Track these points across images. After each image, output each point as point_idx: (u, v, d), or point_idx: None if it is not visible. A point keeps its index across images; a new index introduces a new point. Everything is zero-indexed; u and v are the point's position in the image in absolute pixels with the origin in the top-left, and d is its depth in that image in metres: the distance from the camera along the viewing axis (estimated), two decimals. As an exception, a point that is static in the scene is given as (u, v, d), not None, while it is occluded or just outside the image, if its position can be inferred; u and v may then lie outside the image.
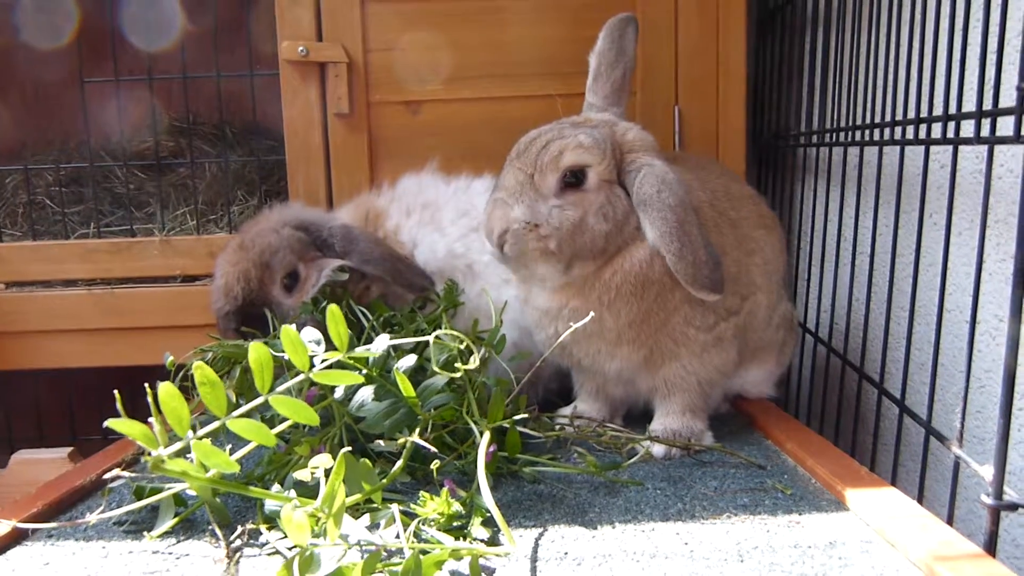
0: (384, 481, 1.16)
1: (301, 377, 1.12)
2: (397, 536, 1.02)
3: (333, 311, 1.15)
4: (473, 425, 1.30)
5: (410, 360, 1.30)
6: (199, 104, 2.79)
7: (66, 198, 2.56)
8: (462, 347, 1.32)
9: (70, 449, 2.14)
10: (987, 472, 1.22)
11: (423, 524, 1.10)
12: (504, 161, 1.53)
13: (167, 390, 0.98)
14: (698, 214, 1.46)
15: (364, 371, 1.27)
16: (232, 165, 2.60)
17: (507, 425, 1.32)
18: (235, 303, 1.71)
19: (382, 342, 1.25)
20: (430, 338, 1.32)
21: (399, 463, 1.19)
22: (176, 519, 1.18)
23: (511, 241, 1.41)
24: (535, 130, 1.49)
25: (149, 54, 2.46)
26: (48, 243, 2.32)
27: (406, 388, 1.23)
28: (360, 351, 1.19)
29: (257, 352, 1.03)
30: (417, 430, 1.24)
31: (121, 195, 2.62)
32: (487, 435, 1.22)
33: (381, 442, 1.28)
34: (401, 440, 1.23)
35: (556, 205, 1.40)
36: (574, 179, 1.41)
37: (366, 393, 1.29)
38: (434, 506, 1.11)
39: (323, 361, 1.15)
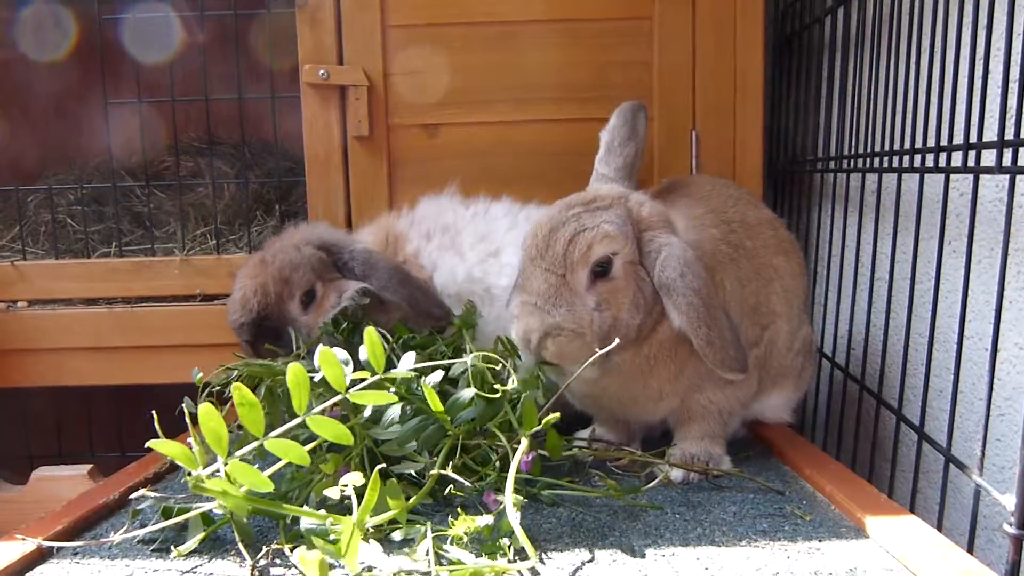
0: (412, 502, 1.17)
1: (338, 397, 1.14)
2: (427, 553, 1.03)
3: (370, 334, 1.17)
4: (503, 437, 1.31)
5: (437, 376, 1.31)
6: (218, 124, 2.82)
7: (87, 217, 2.58)
8: (497, 367, 1.33)
9: (90, 466, 2.15)
10: (1009, 501, 1.21)
11: (449, 543, 1.12)
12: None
13: (207, 411, 1.00)
14: (712, 257, 1.47)
15: (393, 390, 1.28)
16: (251, 185, 2.63)
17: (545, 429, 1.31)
18: (250, 315, 1.73)
19: (409, 360, 1.27)
20: (468, 359, 1.33)
21: (427, 484, 1.20)
22: (202, 535, 1.19)
23: (554, 350, 1.36)
24: (546, 219, 1.42)
25: (171, 74, 2.49)
26: (70, 262, 2.35)
27: (434, 403, 1.25)
28: (395, 372, 1.20)
29: (295, 373, 1.05)
30: (447, 446, 1.27)
31: (140, 214, 2.65)
32: (525, 441, 1.23)
33: (406, 461, 1.30)
34: (424, 462, 1.25)
35: (595, 308, 1.36)
36: (600, 269, 1.37)
37: (395, 412, 1.30)
38: (464, 528, 1.12)
39: (355, 382, 1.16)
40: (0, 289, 2.32)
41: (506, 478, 1.18)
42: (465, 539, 1.13)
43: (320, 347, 1.14)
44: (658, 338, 1.43)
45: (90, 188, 2.68)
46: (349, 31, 2.22)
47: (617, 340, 1.33)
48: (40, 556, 1.21)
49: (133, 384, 2.32)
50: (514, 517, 1.11)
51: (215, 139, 2.87)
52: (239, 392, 1.01)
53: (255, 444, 1.04)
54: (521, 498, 1.17)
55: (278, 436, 1.05)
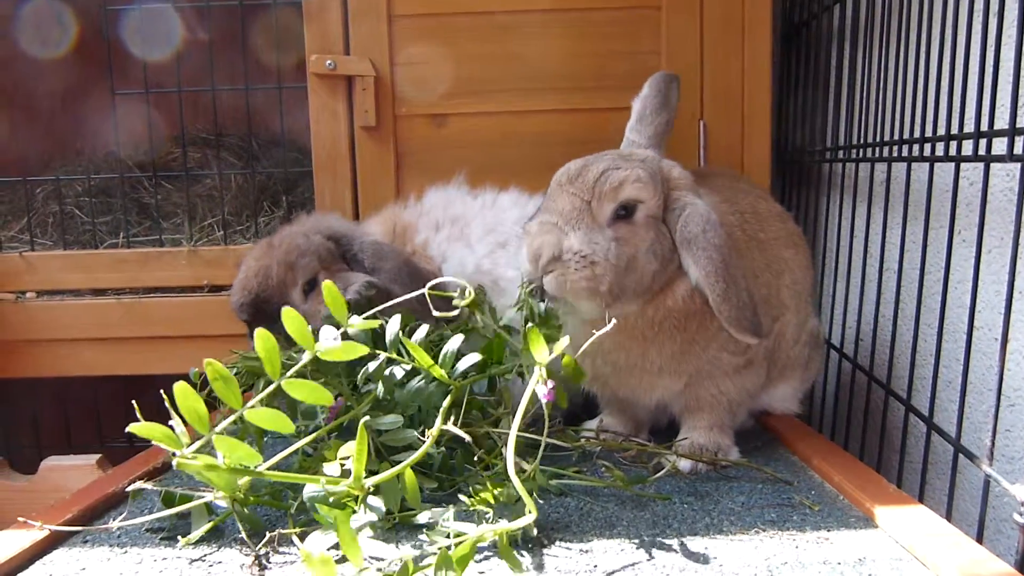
0: (414, 457, 1.16)
1: (308, 356, 1.13)
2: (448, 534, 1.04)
3: (328, 286, 1.16)
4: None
5: (422, 332, 1.32)
6: (224, 117, 2.82)
7: (94, 208, 2.59)
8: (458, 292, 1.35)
9: (98, 456, 2.16)
10: (1019, 491, 1.21)
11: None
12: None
13: (183, 389, 1.00)
14: (729, 239, 1.46)
15: (383, 356, 1.28)
16: (258, 177, 2.63)
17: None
18: (248, 296, 1.71)
19: (395, 324, 1.27)
20: (425, 290, 1.32)
21: (428, 441, 1.19)
22: (210, 525, 1.19)
23: (558, 273, 1.34)
24: (580, 159, 1.43)
25: (178, 65, 2.49)
26: (78, 252, 2.36)
27: (422, 357, 1.24)
28: (361, 323, 1.19)
29: (263, 340, 1.05)
30: (449, 401, 1.26)
31: (148, 205, 2.66)
32: (538, 370, 1.16)
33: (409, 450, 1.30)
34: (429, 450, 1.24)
35: (613, 239, 1.35)
36: (624, 212, 1.37)
37: (395, 374, 1.31)
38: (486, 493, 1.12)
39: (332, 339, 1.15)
40: (9, 280, 2.33)
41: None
42: (489, 514, 1.15)
43: (285, 308, 1.12)
44: (667, 303, 1.41)
45: (98, 179, 2.68)
46: (356, 21, 2.21)
47: (614, 321, 1.29)
48: (52, 543, 1.22)
49: (141, 374, 2.33)
50: (511, 463, 1.11)
51: (222, 131, 2.87)
52: (212, 367, 1.01)
53: (234, 416, 1.04)
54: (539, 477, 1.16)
55: (257, 404, 1.05)
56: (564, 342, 1.19)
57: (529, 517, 1.06)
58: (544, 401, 1.15)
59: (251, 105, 2.49)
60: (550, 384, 1.16)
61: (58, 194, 2.60)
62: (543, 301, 1.38)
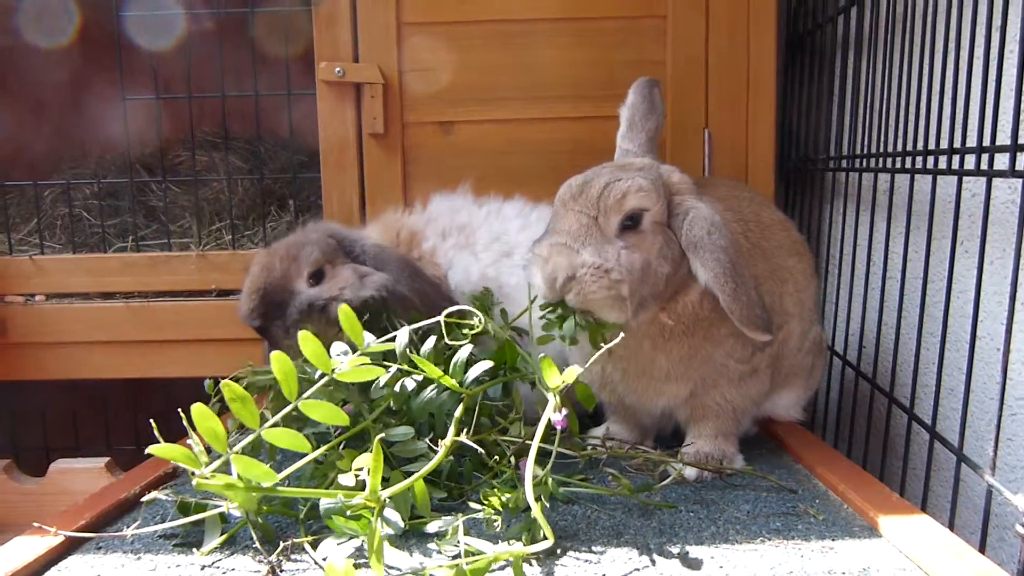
0: (428, 467, 1.17)
1: (325, 379, 1.15)
2: (456, 540, 1.05)
3: (344, 310, 1.18)
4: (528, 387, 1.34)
5: (429, 343, 1.34)
6: (229, 117, 2.83)
7: (103, 211, 2.60)
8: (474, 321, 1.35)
9: (107, 459, 2.18)
10: (1021, 501, 1.23)
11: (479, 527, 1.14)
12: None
13: (200, 411, 1.02)
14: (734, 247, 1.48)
15: (394, 368, 1.29)
16: (265, 181, 2.65)
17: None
18: (256, 296, 1.70)
19: (403, 335, 1.29)
20: (440, 318, 1.33)
21: (442, 452, 1.20)
22: (224, 537, 1.21)
23: (577, 289, 1.35)
24: (580, 175, 1.45)
25: (188, 71, 2.50)
26: (88, 256, 2.38)
27: (430, 370, 1.26)
28: (377, 344, 1.21)
29: (280, 362, 1.06)
30: (460, 411, 1.27)
31: (155, 208, 2.67)
32: (553, 399, 1.18)
33: (421, 459, 1.31)
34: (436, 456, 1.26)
35: (623, 247, 1.37)
36: (630, 222, 1.39)
37: (407, 386, 1.32)
38: (496, 500, 1.14)
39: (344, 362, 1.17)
40: (18, 283, 2.35)
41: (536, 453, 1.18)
42: (498, 523, 1.16)
43: (302, 331, 1.14)
44: (677, 308, 1.43)
45: (107, 183, 2.69)
46: (365, 28, 2.23)
47: (622, 335, 1.32)
48: (65, 549, 1.23)
49: (149, 378, 2.35)
50: (531, 493, 1.12)
51: (229, 133, 2.89)
52: (229, 388, 1.03)
53: (252, 436, 1.05)
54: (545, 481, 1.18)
55: (274, 424, 1.07)
56: (577, 370, 1.20)
57: (546, 543, 1.08)
58: (558, 429, 1.18)
59: (259, 104, 2.50)
60: (564, 412, 1.17)
61: (67, 197, 2.61)
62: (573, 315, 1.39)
